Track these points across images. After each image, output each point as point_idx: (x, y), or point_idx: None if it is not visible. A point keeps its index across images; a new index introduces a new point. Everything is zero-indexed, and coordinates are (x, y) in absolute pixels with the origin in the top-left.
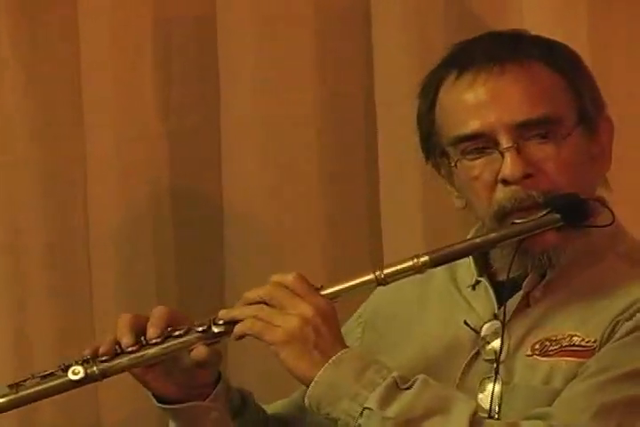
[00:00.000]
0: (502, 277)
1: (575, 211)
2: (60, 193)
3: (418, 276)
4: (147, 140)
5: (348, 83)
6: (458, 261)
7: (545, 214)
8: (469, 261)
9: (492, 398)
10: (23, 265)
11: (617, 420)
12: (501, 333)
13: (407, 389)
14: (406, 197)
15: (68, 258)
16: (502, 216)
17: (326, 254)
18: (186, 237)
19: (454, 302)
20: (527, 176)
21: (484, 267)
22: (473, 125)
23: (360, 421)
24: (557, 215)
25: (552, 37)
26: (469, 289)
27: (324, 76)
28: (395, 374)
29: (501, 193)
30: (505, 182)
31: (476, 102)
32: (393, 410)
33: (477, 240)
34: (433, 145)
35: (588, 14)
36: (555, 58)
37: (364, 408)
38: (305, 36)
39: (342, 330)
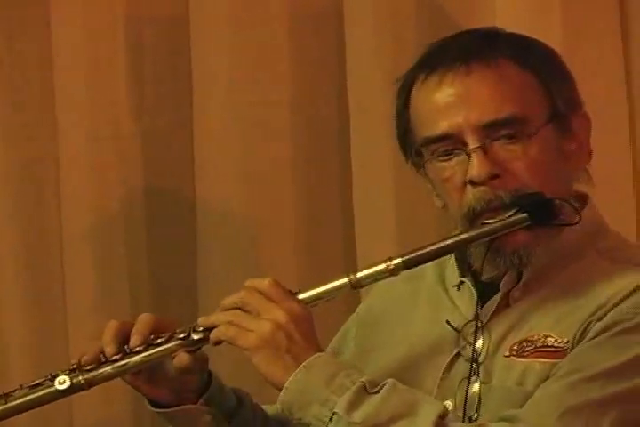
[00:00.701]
0: (484, 277)
1: (542, 210)
2: (32, 193)
3: (411, 274)
4: (119, 140)
5: (322, 84)
6: (447, 262)
7: (513, 214)
8: (453, 261)
9: (466, 398)
10: None
11: (584, 421)
12: (477, 333)
13: (375, 393)
14: (379, 201)
15: (41, 258)
16: (472, 217)
17: (299, 257)
18: (159, 237)
19: (441, 302)
20: (494, 177)
21: (467, 267)
22: (441, 127)
23: (330, 426)
24: (524, 215)
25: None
26: (455, 289)
27: (298, 76)
28: (364, 378)
29: (470, 194)
30: (472, 183)
31: (443, 103)
32: (359, 415)
33: (448, 241)
34: (409, 144)
35: (561, 12)
36: (526, 55)
37: (334, 413)
38: (278, 37)
39: (341, 330)
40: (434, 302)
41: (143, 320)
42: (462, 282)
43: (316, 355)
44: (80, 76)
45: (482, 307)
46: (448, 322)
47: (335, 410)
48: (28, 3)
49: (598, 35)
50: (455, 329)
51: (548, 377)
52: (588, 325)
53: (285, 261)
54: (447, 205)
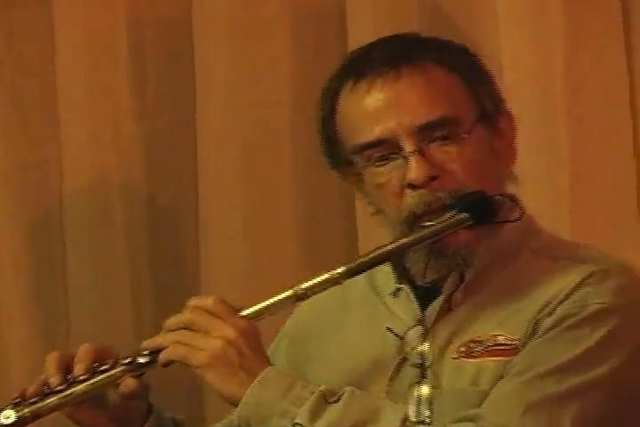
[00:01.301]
0: (421, 281)
1: (483, 208)
2: (34, 195)
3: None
4: (121, 141)
5: (323, 84)
6: (376, 269)
7: (454, 215)
8: (388, 268)
9: (419, 402)
10: None
11: (546, 416)
12: (423, 338)
13: (335, 402)
14: None
15: (42, 259)
16: (413, 221)
17: (300, 257)
18: (160, 237)
19: (376, 310)
20: (433, 178)
21: (403, 273)
22: (374, 132)
23: None
24: (466, 214)
25: (528, 37)
26: (391, 296)
27: (298, 76)
28: (322, 388)
29: (410, 198)
30: (412, 187)
31: (374, 109)
32: (322, 424)
33: (390, 246)
34: (337, 153)
35: (563, 11)
36: (449, 58)
37: (295, 424)
38: (279, 37)
39: (271, 347)
40: (368, 310)
41: (85, 349)
42: (399, 288)
43: (269, 368)
44: (81, 76)
45: (424, 310)
46: (389, 329)
47: (297, 421)
48: (30, 3)
49: (600, 34)
50: (398, 335)
51: (502, 375)
52: (537, 321)
53: (286, 261)
54: (383, 211)
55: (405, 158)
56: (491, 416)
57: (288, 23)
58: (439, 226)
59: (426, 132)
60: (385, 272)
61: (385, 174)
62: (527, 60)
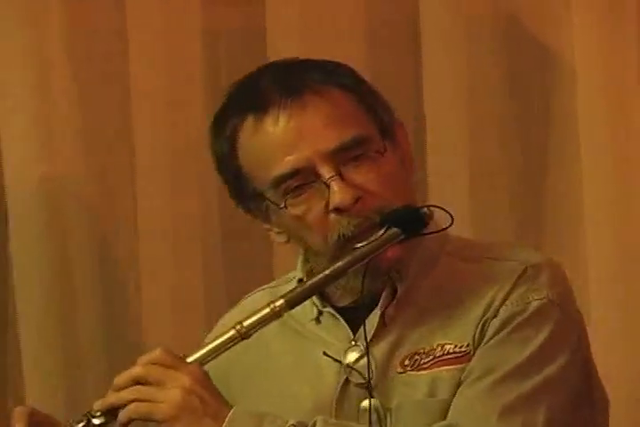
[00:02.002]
0: (342, 303)
1: (412, 221)
2: (108, 206)
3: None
4: (197, 152)
5: (398, 97)
6: None
7: (385, 231)
8: None
9: (372, 421)
10: (75, 277)
11: (521, 417)
12: (362, 358)
13: None
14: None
15: (116, 257)
16: (344, 244)
17: None
18: (234, 246)
19: (301, 336)
20: (357, 200)
21: (324, 297)
22: (289, 163)
23: None
24: (397, 229)
25: (602, 43)
26: (313, 323)
27: (374, 84)
28: (292, 421)
29: (337, 222)
30: (338, 211)
31: (285, 140)
32: None
33: (327, 272)
34: (244, 190)
35: (638, 21)
36: (342, 78)
37: None
38: (354, 47)
39: None
40: (292, 340)
41: (20, 414)
42: (320, 313)
43: (234, 409)
44: (156, 89)
45: (355, 332)
46: (326, 353)
47: None
48: (105, 15)
49: None
50: (335, 359)
51: (459, 383)
52: (484, 324)
53: None
54: (306, 239)
55: (326, 184)
56: (467, 424)
57: (362, 32)
58: (373, 244)
59: (340, 156)
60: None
61: (305, 203)
62: (601, 66)
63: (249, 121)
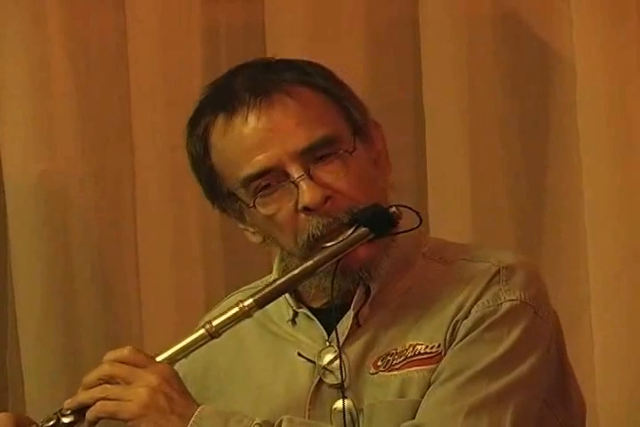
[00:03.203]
0: (317, 304)
1: (381, 221)
2: (108, 204)
3: None
4: None
5: (398, 92)
6: None
7: (354, 231)
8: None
9: (344, 422)
10: (74, 275)
11: (487, 417)
12: (336, 359)
13: None
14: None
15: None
16: (314, 243)
17: None
18: (235, 243)
19: (278, 338)
20: (326, 199)
21: (298, 298)
22: (259, 163)
23: None
24: (366, 229)
25: (602, 41)
26: (289, 323)
27: (373, 81)
28: (257, 420)
29: (307, 222)
30: (307, 210)
31: (255, 140)
32: None
33: (296, 272)
34: (218, 189)
35: (638, 18)
36: (313, 78)
37: None
38: (353, 42)
39: None
40: (269, 340)
41: (2, 419)
42: (296, 314)
43: (201, 407)
44: (156, 82)
45: (330, 333)
46: (300, 354)
47: None
48: (104, 9)
49: None
50: (309, 360)
51: (429, 383)
52: (455, 325)
53: None
54: (278, 239)
55: (295, 184)
56: (433, 424)
57: (362, 28)
58: (341, 244)
59: (310, 155)
60: (277, 302)
61: (274, 203)
62: (601, 64)
63: (219, 120)
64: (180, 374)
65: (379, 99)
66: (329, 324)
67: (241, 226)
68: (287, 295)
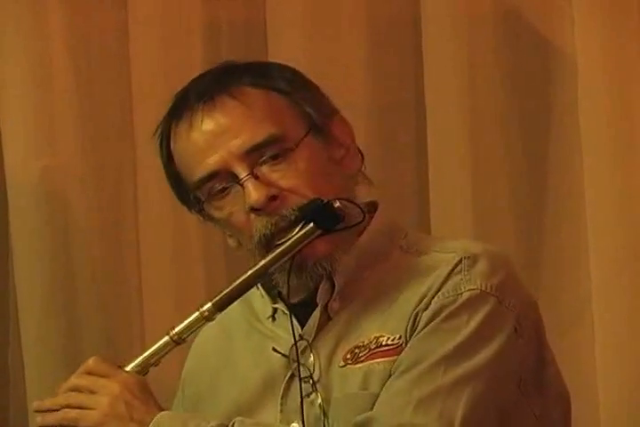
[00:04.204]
0: (294, 299)
1: (325, 215)
2: (109, 200)
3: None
4: None
5: (399, 90)
6: (252, 296)
7: (301, 228)
8: (261, 292)
9: (307, 417)
10: (75, 271)
11: (438, 409)
12: (305, 352)
13: None
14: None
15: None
16: (266, 243)
17: None
18: None
19: (261, 334)
20: (273, 198)
21: (277, 294)
22: (206, 166)
23: None
24: (312, 225)
25: (603, 38)
26: (270, 320)
27: (375, 78)
28: (213, 423)
29: (257, 222)
30: (255, 210)
31: (201, 143)
32: None
33: (250, 272)
34: (186, 195)
35: (638, 14)
36: (267, 78)
37: None
38: (354, 40)
39: (175, 398)
40: (252, 336)
41: None
42: (275, 310)
43: (160, 414)
44: (157, 80)
45: (303, 327)
46: (275, 349)
47: None
48: (106, 6)
49: None
50: (283, 354)
51: (389, 375)
52: (415, 316)
53: None
54: (241, 242)
55: (242, 185)
56: (383, 417)
57: (363, 25)
58: (290, 241)
59: (255, 155)
60: (259, 297)
61: (228, 206)
62: (602, 63)
63: (173, 128)
64: (182, 377)
65: (380, 97)
66: (305, 319)
67: (221, 229)
68: (263, 292)
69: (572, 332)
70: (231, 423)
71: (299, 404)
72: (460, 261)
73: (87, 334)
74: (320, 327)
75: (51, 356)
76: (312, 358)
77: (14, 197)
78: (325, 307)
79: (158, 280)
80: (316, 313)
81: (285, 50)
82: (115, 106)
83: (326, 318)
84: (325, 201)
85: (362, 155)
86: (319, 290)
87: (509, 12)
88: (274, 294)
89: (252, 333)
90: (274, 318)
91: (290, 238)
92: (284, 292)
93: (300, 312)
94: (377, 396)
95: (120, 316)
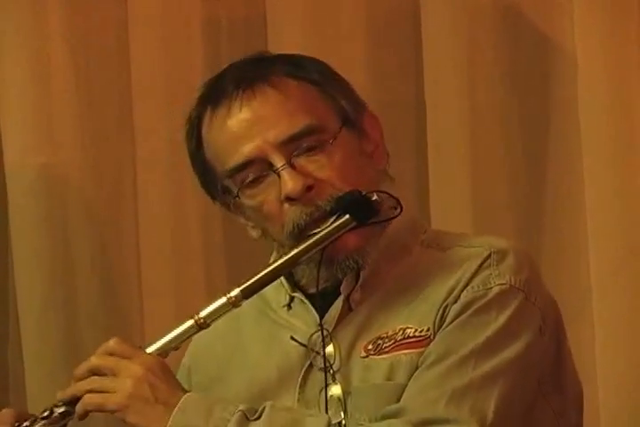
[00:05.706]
0: (312, 290)
1: (362, 209)
2: (109, 196)
3: None
4: None
5: (399, 89)
6: None
7: (336, 219)
8: (278, 281)
9: (332, 405)
10: (75, 267)
11: (470, 403)
12: (325, 341)
13: (257, 419)
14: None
15: (117, 257)
16: (299, 233)
17: None
18: (236, 235)
19: (274, 323)
20: (309, 189)
21: (295, 283)
22: (243, 154)
23: None
24: (347, 216)
25: (603, 35)
26: (285, 309)
27: (375, 76)
28: (241, 407)
29: (291, 212)
30: (290, 200)
31: (237, 131)
32: None
33: (281, 261)
34: (213, 184)
35: (638, 11)
36: (301, 70)
37: None
38: (355, 38)
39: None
40: (265, 325)
41: (4, 414)
42: (292, 298)
43: (186, 396)
44: (157, 77)
45: (323, 317)
46: (293, 338)
47: None
48: (105, 2)
49: None
50: (301, 344)
51: (416, 367)
52: (444, 309)
53: None
54: (268, 231)
55: (278, 174)
56: (414, 409)
57: (363, 21)
58: (324, 232)
59: (292, 145)
60: (273, 286)
61: (261, 194)
62: (602, 60)
63: (207, 114)
64: (186, 365)
65: (379, 95)
66: (323, 309)
67: (242, 221)
68: (284, 280)
69: (571, 330)
70: (262, 408)
71: (317, 394)
72: (490, 255)
73: (86, 329)
74: (341, 318)
75: (50, 351)
76: (332, 348)
77: (14, 194)
78: (347, 298)
79: (158, 276)
80: (338, 303)
81: (285, 48)
82: (114, 104)
83: (347, 309)
84: (364, 193)
85: (387, 153)
86: (343, 282)
87: (509, 9)
88: (291, 283)
89: (263, 320)
90: (289, 307)
91: (324, 229)
92: (304, 282)
93: (319, 302)
94: (403, 387)
95: (119, 312)
